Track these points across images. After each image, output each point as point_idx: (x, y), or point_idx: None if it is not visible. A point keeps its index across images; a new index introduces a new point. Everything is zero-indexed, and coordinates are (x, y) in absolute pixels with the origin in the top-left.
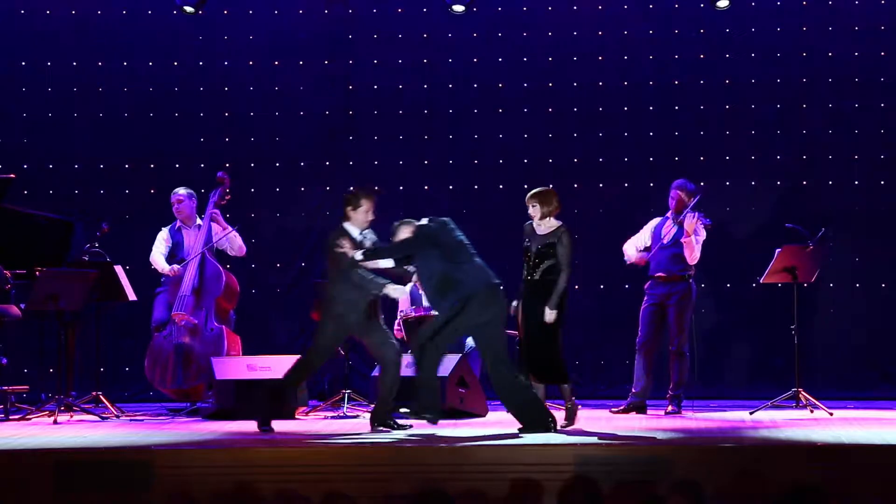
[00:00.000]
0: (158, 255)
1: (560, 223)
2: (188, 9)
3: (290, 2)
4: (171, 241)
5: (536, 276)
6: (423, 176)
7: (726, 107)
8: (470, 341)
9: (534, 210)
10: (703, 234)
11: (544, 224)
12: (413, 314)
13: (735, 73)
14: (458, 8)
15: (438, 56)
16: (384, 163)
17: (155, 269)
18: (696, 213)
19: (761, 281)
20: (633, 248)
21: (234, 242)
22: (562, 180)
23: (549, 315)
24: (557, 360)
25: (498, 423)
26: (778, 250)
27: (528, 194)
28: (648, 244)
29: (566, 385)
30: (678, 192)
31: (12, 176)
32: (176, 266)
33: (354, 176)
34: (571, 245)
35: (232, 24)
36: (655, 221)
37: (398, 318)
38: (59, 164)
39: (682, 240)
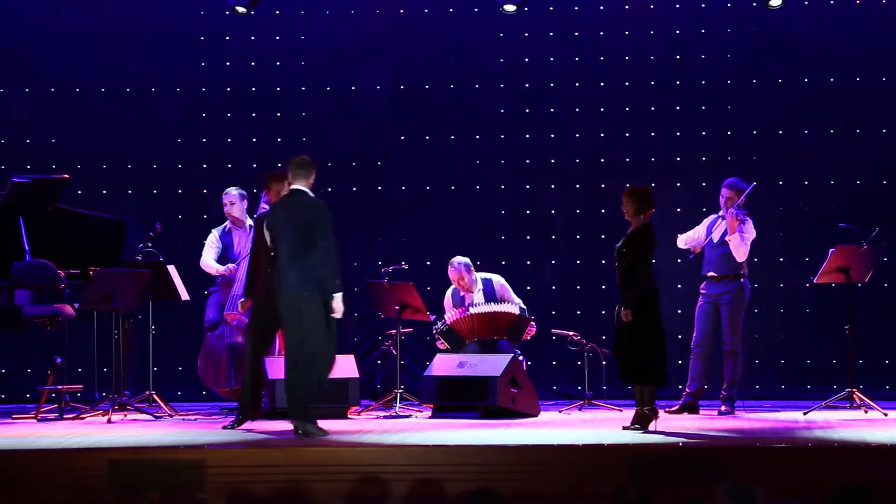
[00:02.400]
0: (209, 259)
1: (645, 223)
2: (240, 9)
3: (341, 2)
4: (220, 244)
5: (618, 277)
6: (475, 175)
7: (778, 106)
8: None
9: (623, 207)
10: (751, 233)
11: (633, 223)
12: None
13: (788, 72)
14: (510, 7)
15: (489, 56)
16: (435, 162)
17: (203, 269)
18: (737, 211)
19: (815, 281)
20: (685, 239)
21: None
22: (614, 179)
23: (624, 314)
24: (635, 360)
25: (549, 423)
26: (832, 250)
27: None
28: (703, 241)
29: (644, 387)
30: (727, 190)
31: (66, 176)
32: (230, 265)
33: (405, 175)
34: (646, 244)
35: (283, 24)
36: (711, 218)
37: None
38: (112, 164)
39: (726, 238)
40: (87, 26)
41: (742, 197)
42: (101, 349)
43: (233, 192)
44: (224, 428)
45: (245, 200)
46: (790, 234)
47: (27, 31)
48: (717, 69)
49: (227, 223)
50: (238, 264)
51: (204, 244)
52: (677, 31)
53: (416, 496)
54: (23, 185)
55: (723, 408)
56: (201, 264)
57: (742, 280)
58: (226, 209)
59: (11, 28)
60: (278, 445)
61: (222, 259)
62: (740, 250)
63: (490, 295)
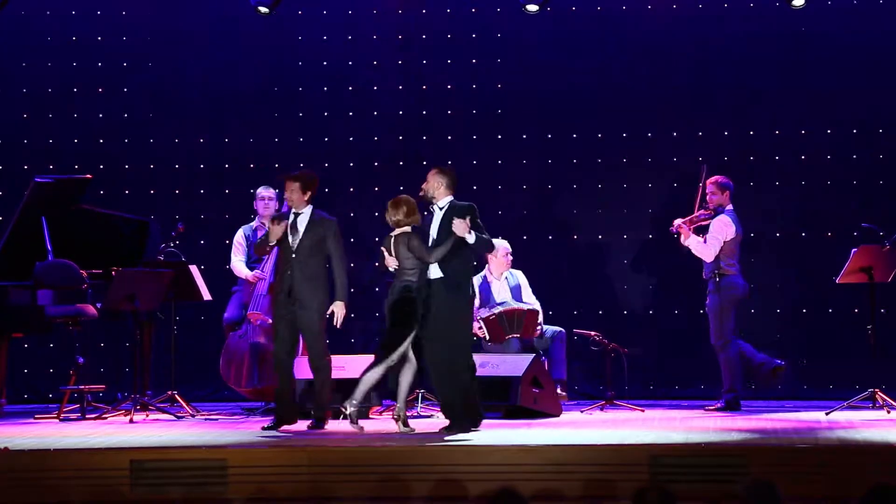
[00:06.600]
0: (240, 263)
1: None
2: (262, 9)
3: (363, 2)
4: (246, 243)
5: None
6: (496, 176)
7: (801, 105)
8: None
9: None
10: (717, 232)
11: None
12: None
13: (813, 76)
14: (532, 7)
15: (512, 56)
16: (457, 162)
17: (231, 270)
18: (682, 220)
19: (837, 281)
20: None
21: None
22: (637, 180)
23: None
24: None
25: (571, 423)
26: (854, 250)
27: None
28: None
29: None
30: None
31: (89, 176)
32: (258, 272)
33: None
34: (418, 244)
35: (306, 24)
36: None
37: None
38: (134, 164)
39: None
40: (110, 26)
41: (700, 190)
42: (124, 349)
43: (272, 191)
44: (263, 429)
45: (276, 201)
46: (812, 234)
47: (51, 30)
48: (740, 69)
49: (255, 222)
50: (262, 265)
51: (230, 243)
52: (700, 31)
53: (438, 496)
54: (46, 185)
55: (717, 405)
56: (232, 267)
57: (717, 279)
58: (263, 204)
59: (36, 27)
60: (301, 446)
61: (247, 259)
62: (701, 253)
63: (516, 288)
